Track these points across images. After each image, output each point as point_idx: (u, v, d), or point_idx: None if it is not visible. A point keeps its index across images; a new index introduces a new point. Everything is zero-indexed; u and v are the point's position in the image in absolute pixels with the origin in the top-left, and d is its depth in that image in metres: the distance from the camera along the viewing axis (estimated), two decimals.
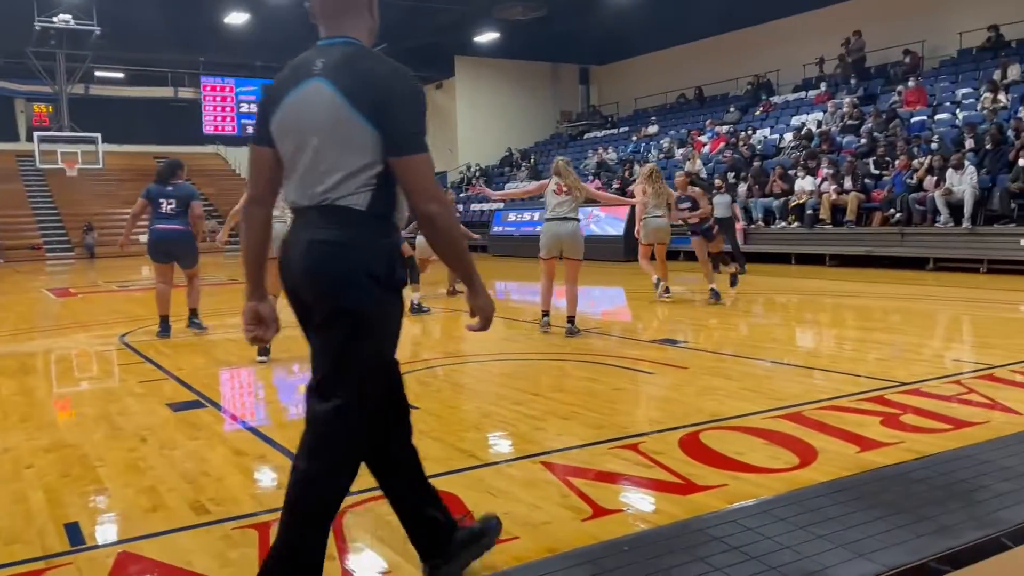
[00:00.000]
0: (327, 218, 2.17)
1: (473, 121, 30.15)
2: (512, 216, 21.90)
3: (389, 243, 2.23)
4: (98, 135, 27.63)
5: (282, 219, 5.17)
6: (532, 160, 27.48)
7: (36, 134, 27.49)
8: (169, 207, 7.99)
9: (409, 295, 8.70)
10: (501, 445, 4.09)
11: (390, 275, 2.19)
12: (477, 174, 29.10)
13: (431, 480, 3.47)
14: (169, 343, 7.74)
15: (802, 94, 21.35)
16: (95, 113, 30.24)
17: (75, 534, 3.03)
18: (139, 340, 8.00)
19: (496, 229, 22.14)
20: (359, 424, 2.30)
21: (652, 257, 9.94)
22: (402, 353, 7.07)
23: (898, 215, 13.89)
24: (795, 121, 19.59)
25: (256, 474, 3.74)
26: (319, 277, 2.18)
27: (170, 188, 8.05)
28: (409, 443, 2.54)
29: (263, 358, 6.47)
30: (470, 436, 4.23)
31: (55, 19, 23.95)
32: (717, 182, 15.73)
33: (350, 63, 2.19)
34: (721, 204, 13.70)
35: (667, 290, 9.93)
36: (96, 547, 2.93)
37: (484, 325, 2.32)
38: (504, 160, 29.12)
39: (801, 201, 15.42)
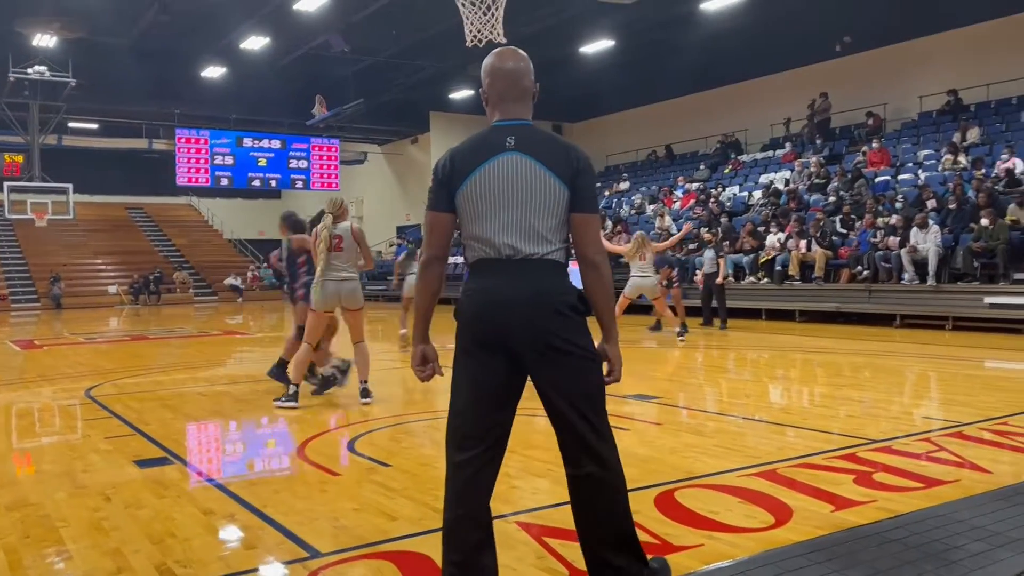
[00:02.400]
0: (539, 269, 2.55)
1: None
2: None
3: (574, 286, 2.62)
4: (69, 185, 27.46)
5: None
6: None
7: (6, 184, 27.24)
8: None
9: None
10: None
11: (586, 310, 2.61)
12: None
13: (406, 541, 3.43)
14: (136, 397, 7.60)
15: (770, 153, 21.88)
16: (67, 163, 30.12)
17: None
18: (106, 394, 7.84)
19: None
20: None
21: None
22: (374, 409, 6.98)
23: (865, 272, 14.16)
24: (763, 179, 20.03)
25: (224, 534, 3.65)
26: (540, 316, 2.54)
27: None
28: None
29: (289, 404, 6.66)
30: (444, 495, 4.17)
31: (30, 70, 23.96)
32: (707, 236, 16.01)
33: (540, 139, 2.67)
34: (708, 259, 14.02)
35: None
36: None
37: (619, 375, 2.69)
38: None
39: (770, 257, 15.67)
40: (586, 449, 2.62)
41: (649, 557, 2.79)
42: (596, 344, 2.64)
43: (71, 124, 30.35)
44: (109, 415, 6.70)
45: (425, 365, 2.78)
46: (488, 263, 2.59)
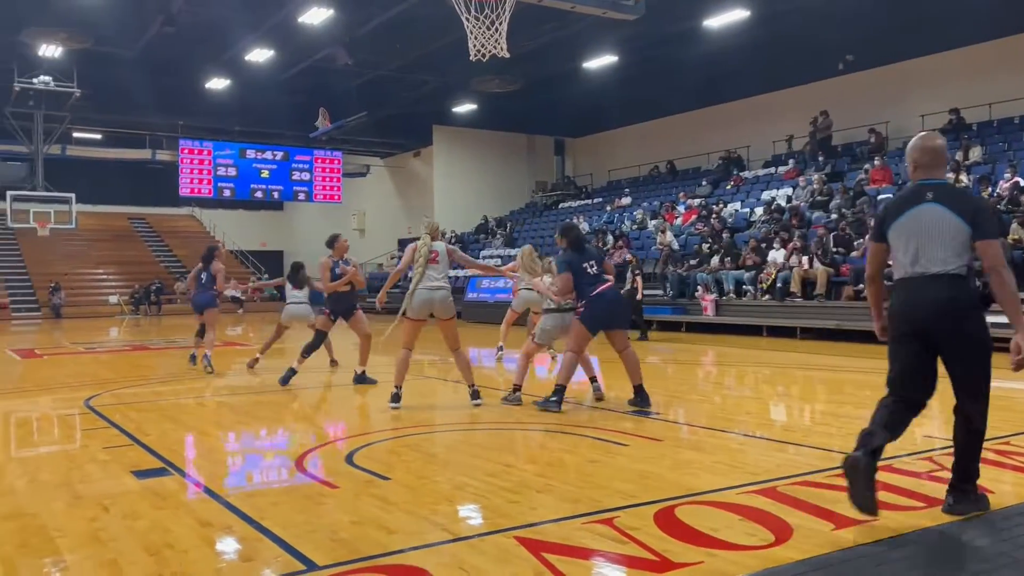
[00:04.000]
0: (950, 283, 3.65)
1: (449, 189, 30.51)
2: (486, 283, 22.00)
3: (976, 292, 3.76)
4: (72, 195, 27.52)
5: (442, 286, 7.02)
6: (508, 228, 27.76)
7: (9, 193, 27.30)
8: None
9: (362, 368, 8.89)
10: (475, 519, 4.02)
11: (983, 308, 3.74)
12: (452, 240, 29.29)
13: (404, 555, 3.41)
14: (136, 407, 7.58)
15: (772, 170, 21.91)
16: (71, 173, 30.20)
17: None
18: (105, 404, 7.82)
19: (471, 295, 22.21)
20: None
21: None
22: (373, 422, 6.96)
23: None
24: (765, 196, 20.05)
25: (222, 546, 3.63)
26: (954, 316, 3.67)
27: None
28: None
29: (394, 405, 7.03)
30: (443, 509, 4.16)
31: (35, 80, 24.08)
32: (629, 258, 16.46)
33: (952, 194, 3.80)
34: (627, 279, 14.72)
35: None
36: None
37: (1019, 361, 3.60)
38: (479, 227, 29.39)
39: (772, 276, 15.65)
40: (962, 403, 3.82)
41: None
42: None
43: (75, 134, 30.46)
44: (108, 425, 6.68)
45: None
46: (908, 279, 3.75)
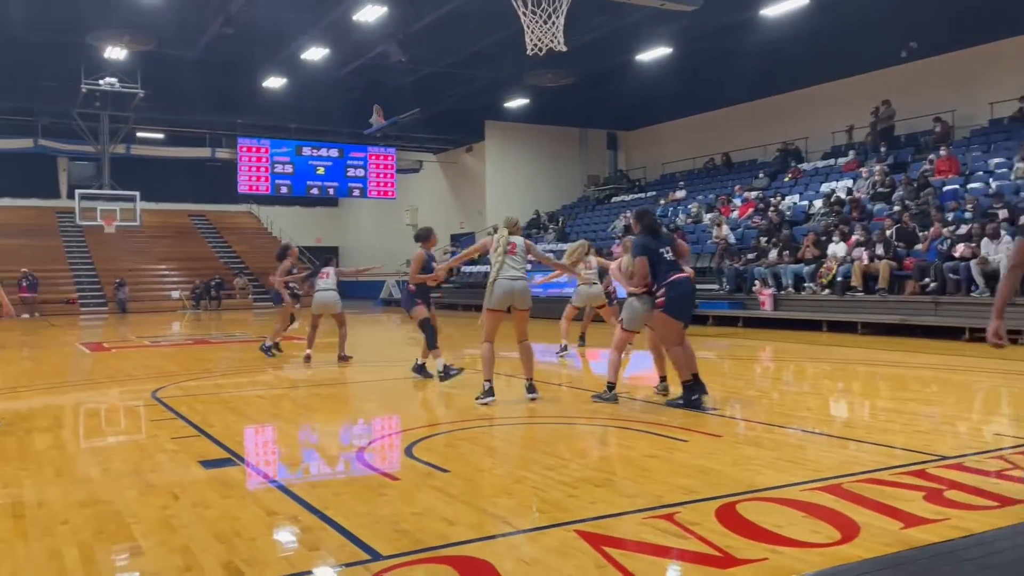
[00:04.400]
0: None
1: (502, 184, 30.56)
2: (539, 278, 21.93)
3: None
4: (136, 193, 28.31)
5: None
6: (560, 223, 27.70)
7: (77, 192, 28.21)
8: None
9: (434, 361, 8.74)
10: (534, 512, 4.03)
11: None
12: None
13: (466, 547, 3.45)
14: (200, 399, 7.79)
15: (831, 161, 21.44)
16: (135, 172, 31.08)
17: None
18: (171, 396, 8.05)
19: None
20: None
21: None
22: (430, 415, 7.03)
23: (932, 284, 13.75)
24: (824, 188, 19.63)
25: (288, 535, 3.71)
26: None
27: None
28: None
29: (488, 399, 7.04)
30: (502, 502, 4.18)
31: (101, 82, 24.82)
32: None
33: None
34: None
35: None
36: None
37: None
38: (531, 222, 29.38)
39: (832, 270, 15.32)
40: None
41: None
42: None
43: (139, 134, 31.33)
44: (174, 416, 6.88)
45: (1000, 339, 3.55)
46: None
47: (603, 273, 10.77)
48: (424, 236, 9.02)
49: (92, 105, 26.79)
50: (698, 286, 16.46)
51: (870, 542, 3.37)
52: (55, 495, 4.37)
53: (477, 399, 7.10)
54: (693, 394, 6.70)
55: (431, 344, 8.74)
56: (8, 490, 4.51)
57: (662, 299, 6.73)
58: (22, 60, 23.56)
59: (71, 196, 29.42)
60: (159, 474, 4.83)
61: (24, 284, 27.45)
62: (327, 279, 10.65)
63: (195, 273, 31.79)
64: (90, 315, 27.38)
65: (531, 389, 7.27)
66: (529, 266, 7.41)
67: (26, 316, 26.31)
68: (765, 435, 5.82)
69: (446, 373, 8.45)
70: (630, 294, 7.20)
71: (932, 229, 14.51)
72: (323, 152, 30.13)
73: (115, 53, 23.33)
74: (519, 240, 7.31)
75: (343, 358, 10.64)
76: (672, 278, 6.75)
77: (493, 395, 7.10)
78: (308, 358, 10.61)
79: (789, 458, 4.98)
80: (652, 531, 3.58)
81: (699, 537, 3.48)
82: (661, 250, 6.84)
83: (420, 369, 8.89)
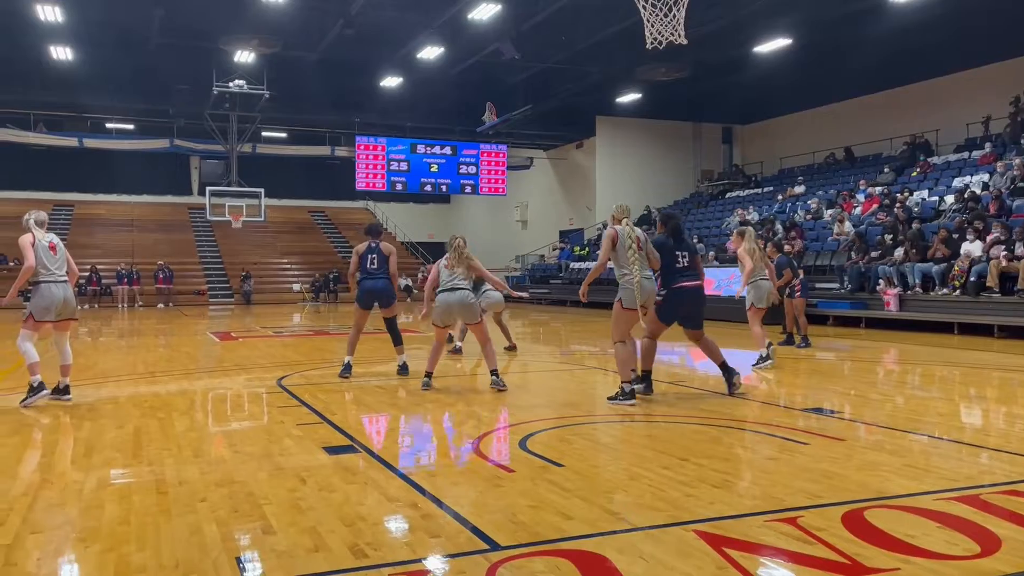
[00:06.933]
0: None
1: (612, 180, 30.37)
2: (649, 274, 21.69)
3: None
4: (261, 190, 29.68)
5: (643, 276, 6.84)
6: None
7: (207, 188, 29.84)
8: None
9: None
10: (651, 509, 3.99)
11: None
12: None
13: (583, 541, 3.46)
14: (322, 388, 8.11)
15: (965, 155, 20.24)
16: (259, 169, 32.62)
17: (246, 568, 3.20)
18: (295, 384, 8.42)
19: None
20: None
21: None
22: (542, 410, 7.05)
23: None
24: (957, 183, 18.56)
25: (409, 522, 3.82)
26: None
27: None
28: None
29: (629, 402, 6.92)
30: (618, 498, 4.17)
31: (231, 84, 26.16)
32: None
33: None
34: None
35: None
36: None
37: None
38: (642, 218, 29.05)
39: (966, 269, 14.46)
40: None
41: None
42: None
43: (264, 133, 32.85)
44: (299, 403, 7.19)
45: None
46: None
47: (780, 269, 11.10)
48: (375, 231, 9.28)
49: (222, 106, 28.30)
50: (818, 284, 15.82)
51: (1014, 556, 3.18)
52: (194, 474, 4.65)
53: (610, 400, 6.96)
54: (640, 383, 7.15)
55: (398, 341, 9.11)
56: (152, 468, 4.83)
57: (660, 300, 7.16)
58: (161, 66, 25.17)
59: (202, 193, 31.18)
60: (287, 458, 5.06)
61: (161, 276, 29.28)
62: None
63: (315, 267, 33.09)
64: (218, 306, 28.90)
65: (642, 380, 7.24)
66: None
67: (161, 306, 28.05)
68: (890, 440, 5.56)
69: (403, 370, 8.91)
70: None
71: None
72: (437, 150, 30.76)
73: (244, 56, 24.57)
74: (641, 234, 7.11)
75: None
76: (679, 284, 7.11)
77: (634, 397, 6.86)
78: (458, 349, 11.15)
79: (919, 466, 4.75)
80: (775, 535, 3.49)
81: (825, 543, 3.36)
82: (677, 253, 7.17)
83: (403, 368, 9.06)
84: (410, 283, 32.76)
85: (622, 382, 6.91)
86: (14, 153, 31.31)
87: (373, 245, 8.98)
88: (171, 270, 29.61)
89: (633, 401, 6.84)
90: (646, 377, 7.27)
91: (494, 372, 7.77)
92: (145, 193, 37.02)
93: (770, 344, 9.67)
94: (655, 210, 28.99)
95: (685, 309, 7.24)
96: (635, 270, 6.78)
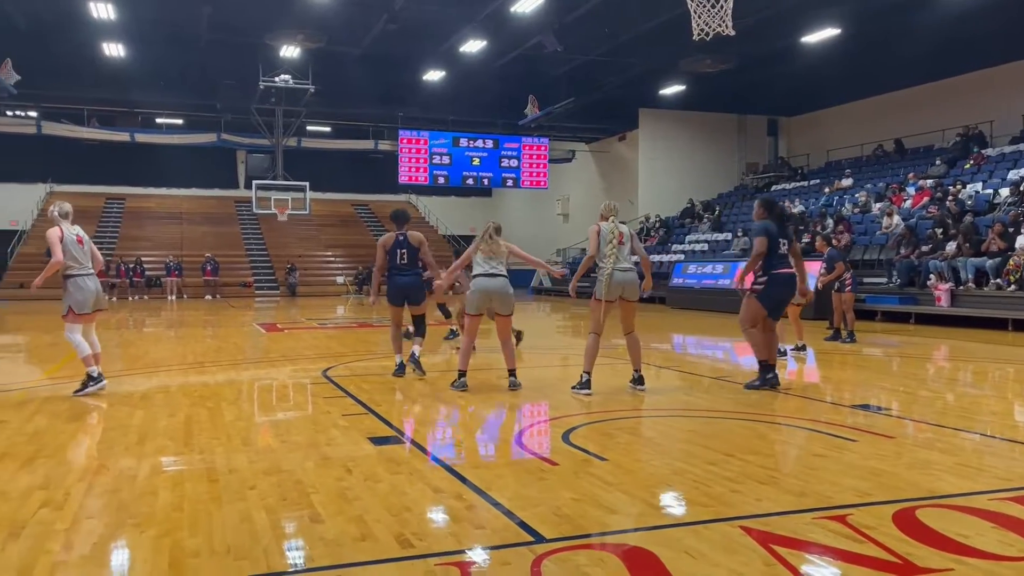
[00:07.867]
0: None
1: (654, 172, 30.14)
2: (692, 268, 21.52)
3: None
4: (306, 184, 30.05)
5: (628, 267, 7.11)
6: (715, 212, 26.99)
7: (254, 182, 30.30)
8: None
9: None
10: (696, 505, 3.97)
11: None
12: (656, 225, 28.93)
13: (628, 535, 3.45)
14: (366, 379, 8.19)
15: (1021, 146, 19.68)
16: (304, 163, 33.01)
17: (295, 555, 3.26)
18: (340, 375, 8.53)
19: (676, 281, 21.84)
20: None
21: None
22: (585, 403, 7.03)
23: None
24: (1012, 175, 18.06)
25: (454, 513, 3.84)
26: None
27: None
28: None
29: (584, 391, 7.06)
30: (663, 493, 4.15)
31: (277, 79, 26.50)
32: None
33: None
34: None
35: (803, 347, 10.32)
36: (313, 570, 3.13)
37: None
38: (685, 211, 28.80)
39: (1022, 263, 14.07)
40: None
41: None
42: None
43: (308, 127, 33.22)
44: (344, 394, 7.28)
45: None
46: None
47: (832, 262, 11.47)
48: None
49: (268, 101, 28.68)
50: (866, 279, 15.59)
51: None
52: (243, 463, 4.74)
53: (573, 388, 7.19)
54: (768, 373, 7.29)
55: (421, 332, 8.73)
56: (203, 456, 4.94)
57: (760, 287, 7.28)
58: (209, 62, 25.59)
59: (248, 186, 31.68)
60: (333, 448, 5.13)
61: (208, 268, 29.84)
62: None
63: (358, 260, 33.42)
64: (263, 297, 29.36)
65: (639, 381, 7.32)
66: (666, 257, 7.40)
67: (208, 297, 28.59)
68: (941, 438, 5.45)
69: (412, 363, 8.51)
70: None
71: None
72: (479, 143, 30.83)
73: (289, 52, 24.85)
74: (626, 229, 7.34)
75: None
76: (778, 271, 7.26)
77: (589, 388, 7.10)
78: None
79: (972, 464, 4.65)
80: (823, 532, 3.44)
81: (875, 542, 3.31)
82: (781, 239, 7.31)
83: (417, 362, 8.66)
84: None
85: (583, 371, 7.18)
86: (68, 148, 32.12)
87: (401, 238, 8.49)
88: (217, 262, 30.16)
89: (589, 391, 7.05)
90: (770, 368, 7.34)
91: (512, 372, 7.56)
92: (193, 187, 37.75)
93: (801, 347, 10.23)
94: (698, 203, 28.72)
95: (783, 296, 7.45)
96: (609, 263, 7.05)
